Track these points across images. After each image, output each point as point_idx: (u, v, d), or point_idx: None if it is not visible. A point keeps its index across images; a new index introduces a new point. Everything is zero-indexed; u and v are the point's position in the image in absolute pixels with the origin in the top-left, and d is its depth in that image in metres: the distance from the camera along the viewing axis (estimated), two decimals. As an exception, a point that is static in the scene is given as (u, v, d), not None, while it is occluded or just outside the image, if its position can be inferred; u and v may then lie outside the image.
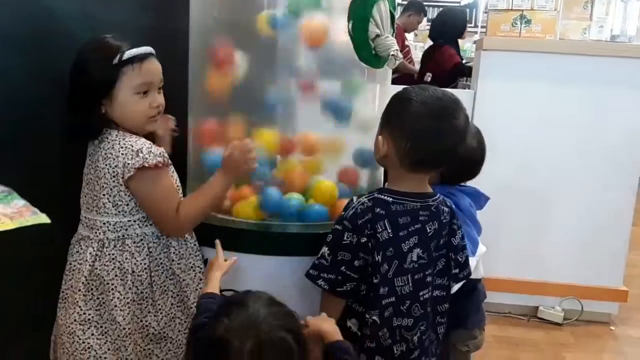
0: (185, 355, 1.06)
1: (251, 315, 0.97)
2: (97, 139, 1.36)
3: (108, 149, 1.33)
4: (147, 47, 1.38)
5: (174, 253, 1.42)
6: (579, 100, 2.68)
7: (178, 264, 1.42)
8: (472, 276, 1.57)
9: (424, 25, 5.60)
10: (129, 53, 1.33)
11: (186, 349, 1.13)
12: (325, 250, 1.31)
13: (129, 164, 1.30)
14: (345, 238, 1.29)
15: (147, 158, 1.30)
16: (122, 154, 1.31)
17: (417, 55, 5.08)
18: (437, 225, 1.34)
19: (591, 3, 2.88)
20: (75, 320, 1.36)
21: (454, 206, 1.41)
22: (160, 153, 1.34)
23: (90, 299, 1.36)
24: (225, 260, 1.43)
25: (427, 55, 4.41)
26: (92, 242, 1.37)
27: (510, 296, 2.82)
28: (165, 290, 1.41)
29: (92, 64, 1.33)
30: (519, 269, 2.81)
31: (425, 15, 5.12)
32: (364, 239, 1.28)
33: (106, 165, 1.32)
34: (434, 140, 1.27)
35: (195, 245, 1.48)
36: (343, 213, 1.32)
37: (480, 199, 1.64)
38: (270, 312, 0.98)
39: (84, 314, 1.36)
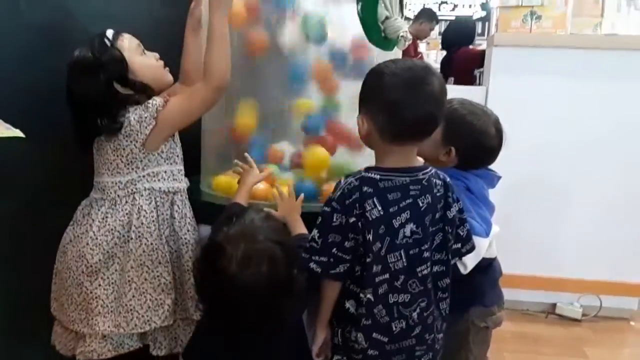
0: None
1: (247, 226, 1.12)
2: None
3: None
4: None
5: (176, 211, 1.52)
6: (593, 95, 2.66)
7: (179, 222, 1.52)
8: (487, 255, 1.57)
9: (435, 34, 5.63)
10: (109, 32, 1.47)
11: None
12: (315, 233, 1.30)
13: (145, 115, 1.43)
14: (334, 219, 1.27)
15: (156, 104, 1.44)
16: (134, 118, 1.43)
17: (430, 62, 5.10)
18: (430, 198, 1.31)
19: (602, 0, 2.89)
20: (82, 272, 1.46)
21: (447, 179, 1.38)
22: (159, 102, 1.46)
23: (98, 252, 1.45)
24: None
25: (446, 62, 4.41)
26: (104, 202, 1.48)
27: (527, 293, 2.79)
28: (167, 243, 1.50)
29: (100, 57, 1.43)
30: (535, 265, 2.77)
31: (437, 22, 5.15)
32: (352, 219, 1.26)
33: (121, 130, 1.44)
34: (409, 109, 1.25)
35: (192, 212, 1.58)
36: (331, 194, 1.31)
37: (492, 179, 1.64)
38: (264, 225, 1.15)
39: (90, 266, 1.45)
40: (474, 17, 9.64)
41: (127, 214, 1.46)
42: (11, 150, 1.49)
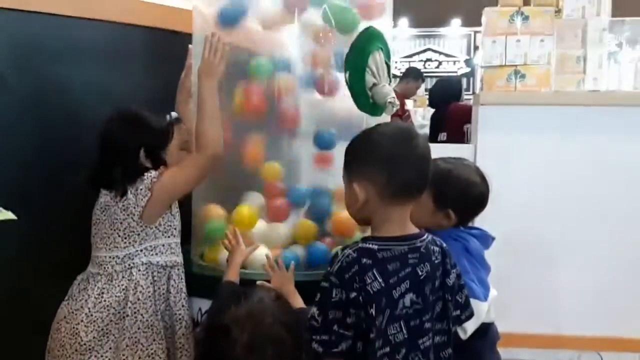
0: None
1: (254, 307, 1.08)
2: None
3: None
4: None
5: (172, 286, 1.50)
6: (580, 150, 2.71)
7: (174, 297, 1.50)
8: (485, 320, 1.54)
9: (422, 92, 5.73)
10: (174, 113, 1.55)
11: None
12: (314, 310, 1.24)
13: (141, 188, 1.43)
14: (334, 295, 1.22)
15: (151, 176, 1.45)
16: (130, 191, 1.43)
17: (416, 120, 5.19)
18: (429, 267, 1.28)
19: (584, 58, 2.96)
20: (76, 350, 1.42)
21: (444, 244, 1.36)
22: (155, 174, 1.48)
23: (93, 330, 1.42)
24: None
25: (437, 117, 4.47)
26: (101, 277, 1.46)
27: (526, 352, 2.73)
28: (162, 318, 1.48)
29: (151, 122, 1.50)
30: (533, 322, 2.74)
31: (423, 81, 5.25)
32: (353, 294, 1.21)
33: (118, 202, 1.44)
34: (407, 160, 1.27)
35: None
36: (329, 268, 1.27)
37: (487, 240, 1.65)
38: (273, 306, 1.11)
39: (84, 344, 1.41)
40: (459, 73, 9.91)
41: (123, 289, 1.43)
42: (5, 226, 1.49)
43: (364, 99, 1.61)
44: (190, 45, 1.72)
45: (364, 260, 1.23)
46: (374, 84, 1.60)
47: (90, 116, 1.70)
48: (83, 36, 1.73)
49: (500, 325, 1.67)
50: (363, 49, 1.59)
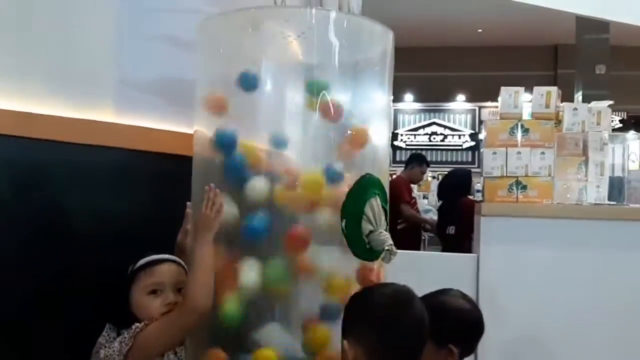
0: None
1: None
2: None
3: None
4: (161, 255, 1.57)
5: None
6: (583, 263, 2.69)
7: None
8: None
9: (427, 175, 5.77)
10: (140, 262, 1.53)
11: None
12: None
13: (126, 336, 1.43)
14: None
15: (138, 325, 1.45)
16: (119, 339, 1.44)
17: (421, 205, 5.20)
18: None
19: (585, 164, 2.97)
20: None
21: None
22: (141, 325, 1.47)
23: None
24: None
25: (445, 210, 4.47)
26: None
27: None
28: None
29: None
30: None
31: (428, 165, 5.28)
32: None
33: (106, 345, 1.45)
34: (398, 327, 1.28)
35: None
36: None
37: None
38: None
39: None
40: (464, 147, 10.01)
41: None
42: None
43: (361, 246, 1.60)
44: (188, 204, 1.72)
45: None
46: (371, 231, 1.60)
47: (95, 242, 1.70)
48: (88, 163, 1.72)
49: None
50: (359, 197, 1.59)
